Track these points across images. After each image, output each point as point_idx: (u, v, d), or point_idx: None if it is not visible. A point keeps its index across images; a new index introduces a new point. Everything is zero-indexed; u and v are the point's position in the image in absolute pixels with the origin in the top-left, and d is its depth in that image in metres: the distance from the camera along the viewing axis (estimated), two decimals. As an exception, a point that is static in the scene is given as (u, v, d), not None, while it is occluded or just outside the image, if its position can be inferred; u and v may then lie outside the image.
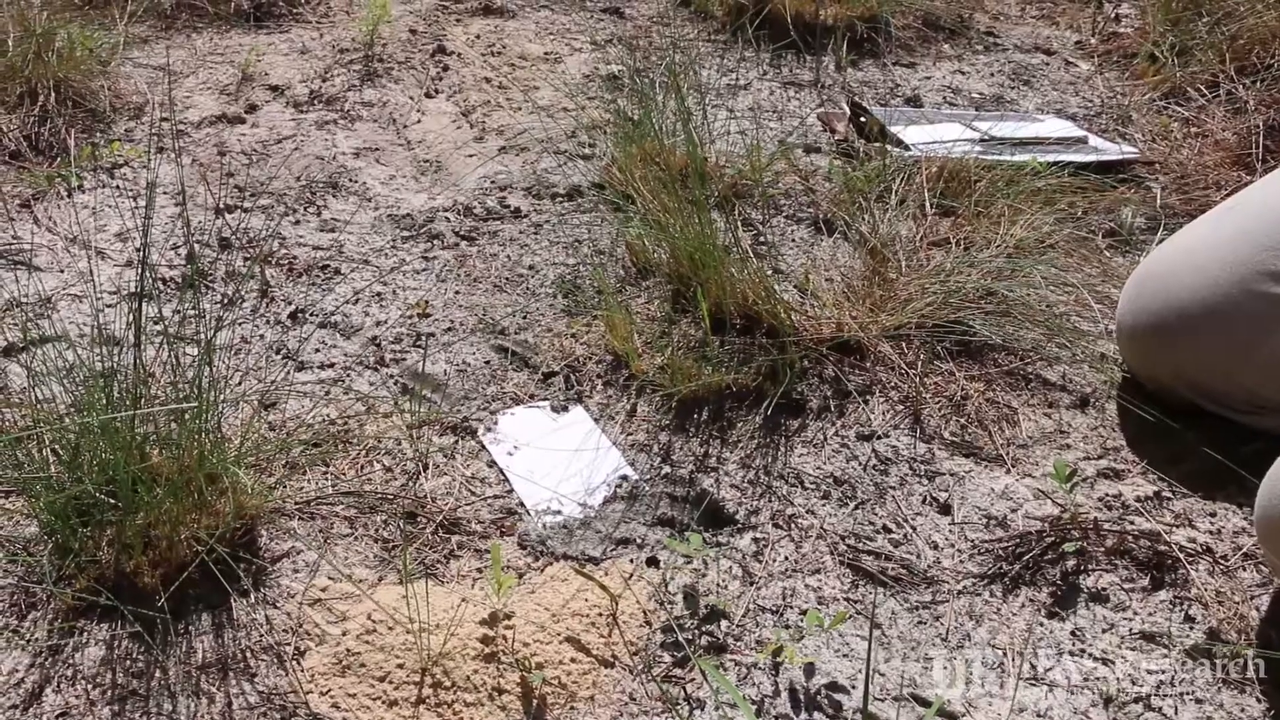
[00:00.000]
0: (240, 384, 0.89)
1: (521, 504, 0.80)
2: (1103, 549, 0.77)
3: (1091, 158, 1.26)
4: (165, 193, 1.16)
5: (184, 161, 1.21)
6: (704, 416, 0.89)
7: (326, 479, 0.81)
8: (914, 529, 0.79)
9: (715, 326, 0.94)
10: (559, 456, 0.83)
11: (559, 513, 0.79)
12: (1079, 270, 1.04)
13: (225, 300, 1.00)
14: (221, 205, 1.14)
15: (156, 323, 0.92)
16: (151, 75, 1.38)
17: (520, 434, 0.86)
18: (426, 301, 1.02)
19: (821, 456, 0.85)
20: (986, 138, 1.28)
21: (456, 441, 0.86)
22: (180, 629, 0.68)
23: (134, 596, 0.68)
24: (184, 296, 0.98)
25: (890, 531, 0.78)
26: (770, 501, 0.81)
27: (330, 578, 0.72)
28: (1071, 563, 0.76)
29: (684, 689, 0.67)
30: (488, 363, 0.95)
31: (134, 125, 1.28)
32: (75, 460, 0.70)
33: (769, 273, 1.05)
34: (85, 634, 0.67)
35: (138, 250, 1.05)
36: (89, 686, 0.65)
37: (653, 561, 0.75)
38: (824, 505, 0.81)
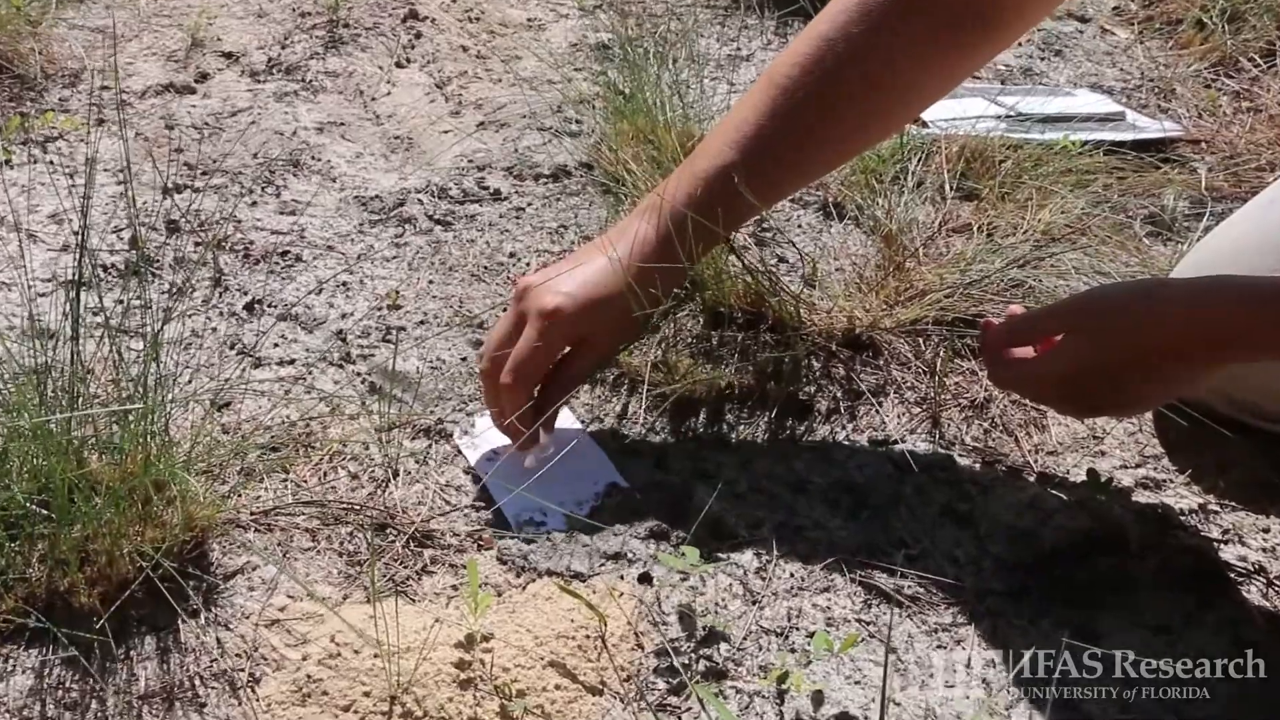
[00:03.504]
0: (190, 382, 0.88)
1: (501, 514, 0.79)
2: (1142, 566, 0.76)
3: (1130, 135, 1.26)
4: (106, 170, 1.15)
5: (127, 135, 1.20)
6: (701, 419, 0.89)
7: (286, 487, 0.80)
8: (933, 543, 0.78)
9: (714, 320, 0.94)
10: (541, 462, 0.82)
11: (542, 524, 0.78)
12: (1115, 259, 1.04)
13: (173, 289, 0.99)
14: (169, 184, 1.13)
15: (96, 314, 0.91)
16: (89, 38, 1.37)
17: (499, 438, 0.85)
18: (397, 292, 1.02)
19: (831, 463, 0.85)
20: (1012, 114, 1.28)
21: (430, 446, 0.86)
22: (121, 653, 0.67)
23: (68, 618, 0.67)
24: (127, 285, 0.97)
25: (907, 546, 0.78)
26: (774, 512, 0.80)
27: (290, 596, 0.71)
28: (1107, 580, 0.76)
29: (679, 719, 0.66)
30: (464, 359, 0.95)
31: (70, 94, 1.27)
32: (3, 466, 0.69)
33: (773, 261, 1.05)
34: (11, 661, 0.67)
35: (75, 233, 1.04)
36: None
37: (645, 578, 0.75)
38: (834, 517, 0.80)
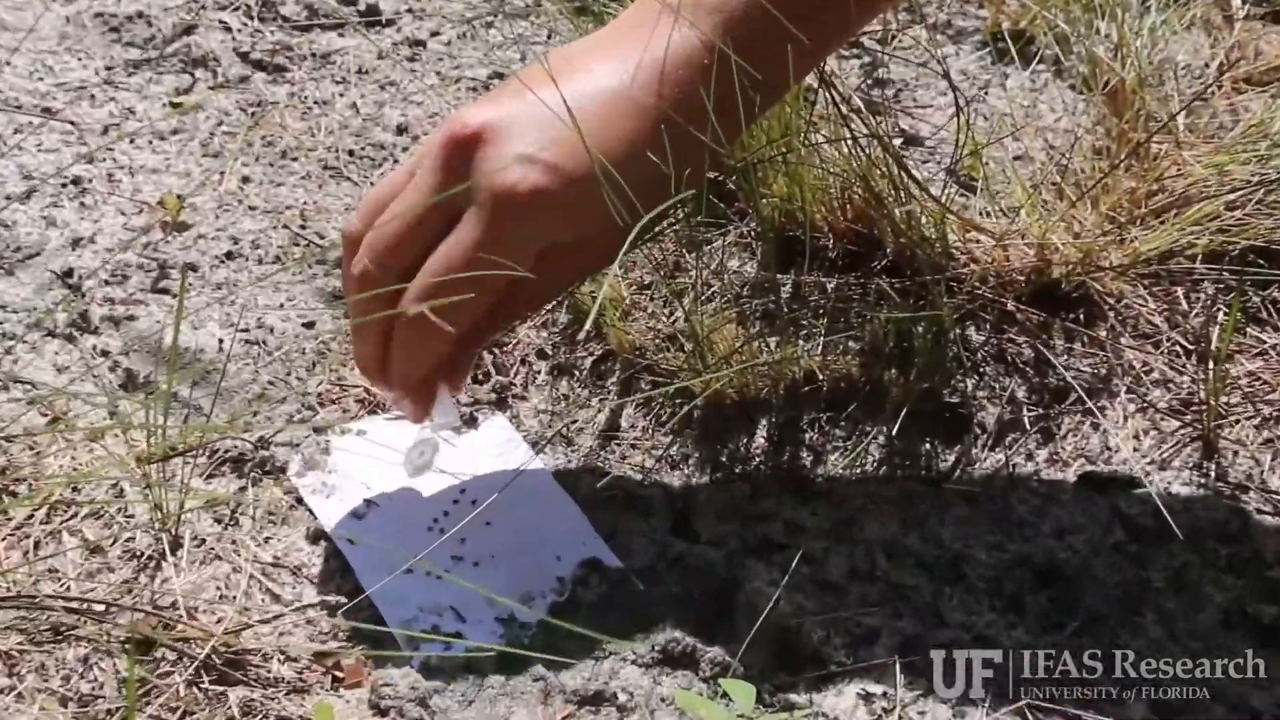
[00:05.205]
0: None
1: (379, 618, 0.79)
2: None
3: None
4: None
5: None
6: (759, 438, 0.89)
7: (-40, 568, 0.79)
8: (1211, 675, 0.77)
9: (784, 253, 0.93)
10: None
11: (455, 636, 0.78)
12: None
13: None
14: None
15: None
16: None
17: (374, 474, 0.86)
18: (180, 198, 1.02)
19: (1007, 524, 0.85)
20: None
21: (244, 489, 0.86)
22: None
23: None
24: None
25: (1158, 682, 0.77)
26: (898, 616, 0.80)
27: (-34, 778, 0.70)
28: None
29: None
30: (310, 325, 0.96)
31: None
32: None
33: (896, 143, 1.05)
34: None
35: None
36: None
37: (653, 742, 0.74)
38: (1014, 626, 0.80)
